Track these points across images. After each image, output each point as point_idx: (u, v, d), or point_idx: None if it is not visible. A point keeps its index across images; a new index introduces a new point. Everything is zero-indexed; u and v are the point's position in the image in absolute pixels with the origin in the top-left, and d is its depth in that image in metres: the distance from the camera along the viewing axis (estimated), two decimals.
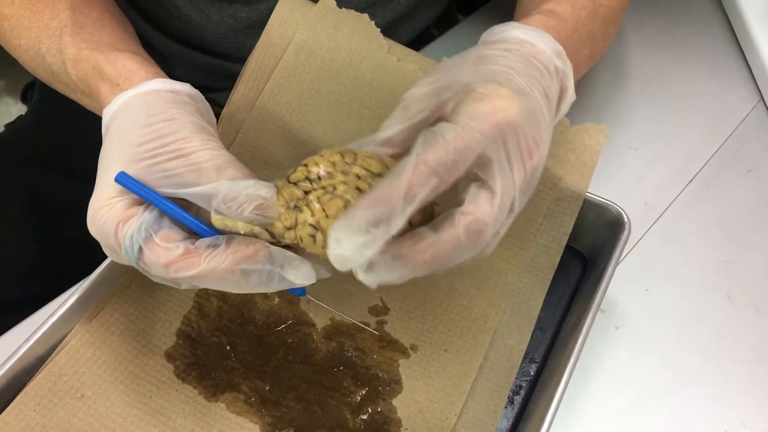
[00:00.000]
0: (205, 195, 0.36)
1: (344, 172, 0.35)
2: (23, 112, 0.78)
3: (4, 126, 0.77)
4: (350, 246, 0.33)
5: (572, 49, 0.44)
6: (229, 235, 0.37)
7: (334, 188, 0.35)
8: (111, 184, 0.38)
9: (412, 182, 0.33)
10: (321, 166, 0.36)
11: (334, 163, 0.36)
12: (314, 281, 0.37)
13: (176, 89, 0.42)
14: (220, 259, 0.35)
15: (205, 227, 0.38)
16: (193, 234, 0.38)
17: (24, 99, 0.86)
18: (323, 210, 0.35)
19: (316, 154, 0.37)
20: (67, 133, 0.72)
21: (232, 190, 0.36)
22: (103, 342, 0.48)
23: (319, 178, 0.36)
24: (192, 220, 0.37)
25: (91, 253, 0.50)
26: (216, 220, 0.37)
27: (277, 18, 0.54)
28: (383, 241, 0.33)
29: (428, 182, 0.33)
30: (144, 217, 0.36)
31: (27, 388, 0.46)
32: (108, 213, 0.37)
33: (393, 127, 0.37)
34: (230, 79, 0.54)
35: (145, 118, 0.39)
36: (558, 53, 0.42)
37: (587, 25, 0.49)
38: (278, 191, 0.37)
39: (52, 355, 0.47)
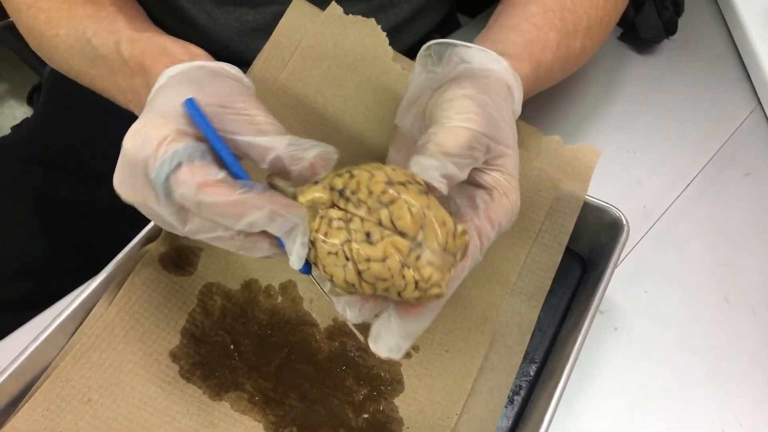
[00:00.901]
0: (265, 147, 0.37)
1: (371, 210, 0.34)
2: (28, 115, 0.79)
3: (10, 128, 0.77)
4: (385, 350, 0.38)
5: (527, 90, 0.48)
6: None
7: (351, 219, 0.34)
8: (166, 106, 0.37)
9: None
10: (361, 188, 0.35)
11: (371, 193, 0.34)
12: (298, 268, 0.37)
13: (241, 77, 0.43)
14: (253, 195, 0.35)
15: (249, 179, 0.37)
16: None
17: (30, 101, 0.86)
18: (324, 236, 0.35)
19: (385, 165, 0.36)
20: (73, 134, 0.72)
21: (295, 139, 0.37)
22: (109, 345, 0.48)
23: (349, 200, 0.35)
24: (238, 166, 0.37)
25: (96, 254, 0.51)
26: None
27: (287, 22, 0.54)
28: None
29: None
30: (194, 144, 0.36)
31: (36, 395, 0.46)
32: (157, 130, 0.36)
33: (463, 170, 0.38)
34: None
35: (214, 79, 0.40)
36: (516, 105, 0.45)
37: (551, 69, 0.52)
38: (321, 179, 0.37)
39: (57, 359, 0.47)
